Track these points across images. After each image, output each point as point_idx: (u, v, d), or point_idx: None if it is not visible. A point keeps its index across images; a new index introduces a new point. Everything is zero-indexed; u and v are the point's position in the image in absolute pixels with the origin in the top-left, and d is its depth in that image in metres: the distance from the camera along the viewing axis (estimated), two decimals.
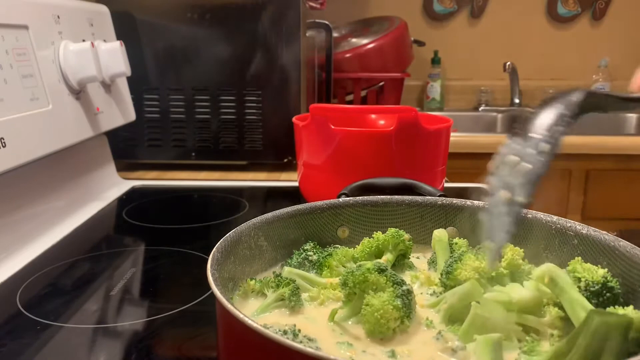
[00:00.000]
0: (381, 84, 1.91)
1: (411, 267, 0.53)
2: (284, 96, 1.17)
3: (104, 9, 1.06)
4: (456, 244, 0.52)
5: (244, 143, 1.20)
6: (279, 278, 0.46)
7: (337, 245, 0.54)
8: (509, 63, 2.17)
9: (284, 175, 1.18)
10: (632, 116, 2.18)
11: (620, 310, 0.39)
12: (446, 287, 0.46)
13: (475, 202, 0.56)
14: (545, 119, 0.39)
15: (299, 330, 0.40)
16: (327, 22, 1.49)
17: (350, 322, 0.43)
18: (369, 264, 0.44)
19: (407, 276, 0.51)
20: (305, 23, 1.25)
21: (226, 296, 0.36)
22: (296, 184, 0.91)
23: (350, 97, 1.90)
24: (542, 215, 0.51)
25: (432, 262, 0.53)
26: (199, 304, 0.60)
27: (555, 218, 0.51)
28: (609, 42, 2.27)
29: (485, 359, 0.36)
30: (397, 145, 0.77)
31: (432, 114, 0.93)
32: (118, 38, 1.06)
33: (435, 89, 2.24)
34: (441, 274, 0.47)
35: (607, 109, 0.47)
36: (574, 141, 1.74)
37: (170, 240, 0.79)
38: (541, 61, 2.29)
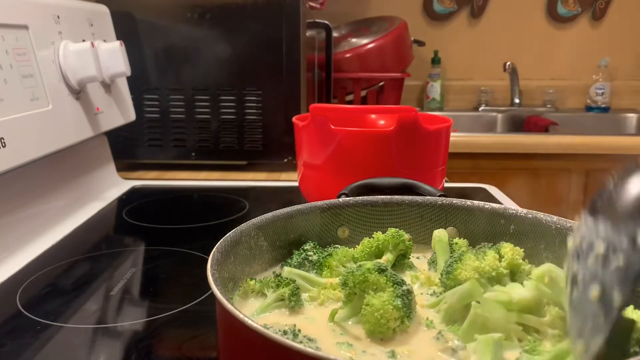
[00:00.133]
0: (381, 84, 1.91)
1: (411, 267, 0.53)
2: (284, 96, 1.17)
3: (104, 9, 1.06)
4: (456, 244, 0.52)
5: (244, 143, 1.20)
6: (279, 278, 0.46)
7: (337, 245, 0.54)
8: (509, 63, 2.17)
9: (284, 175, 1.18)
10: (632, 116, 2.18)
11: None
12: (446, 287, 0.46)
13: (475, 202, 0.56)
14: (635, 195, 0.31)
15: (299, 330, 0.40)
16: (327, 22, 1.49)
17: (350, 322, 0.43)
18: (369, 264, 0.44)
19: (407, 276, 0.51)
20: (305, 23, 1.25)
21: (226, 296, 0.36)
22: (296, 184, 0.91)
23: (350, 97, 1.90)
24: (542, 215, 0.51)
25: (432, 262, 0.53)
26: (199, 304, 0.60)
27: (555, 218, 0.51)
28: (609, 42, 2.27)
29: (486, 359, 0.36)
30: (397, 145, 0.77)
31: (432, 114, 0.93)
32: (118, 38, 1.06)
33: (435, 89, 2.24)
34: (441, 274, 0.47)
35: None
36: (574, 141, 1.74)
37: (170, 240, 0.79)
38: (541, 61, 2.29)
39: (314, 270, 0.51)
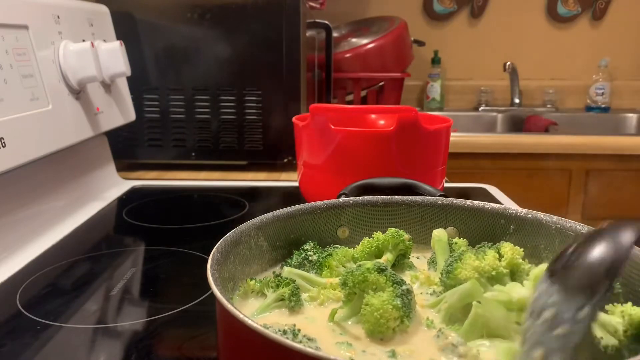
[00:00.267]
0: (381, 84, 1.91)
1: (411, 267, 0.53)
2: (284, 96, 1.17)
3: (104, 9, 1.06)
4: (455, 243, 0.52)
5: (243, 143, 1.20)
6: (279, 278, 0.46)
7: (337, 245, 0.54)
8: (509, 63, 2.17)
9: (284, 175, 1.18)
10: (632, 116, 2.18)
11: (618, 307, 0.39)
12: (446, 286, 0.46)
13: (475, 202, 0.56)
14: (589, 266, 0.33)
15: (299, 330, 0.40)
16: (327, 22, 1.49)
17: (349, 322, 0.43)
18: (368, 264, 0.44)
19: (407, 276, 0.51)
20: (305, 23, 1.25)
21: (226, 296, 0.36)
22: (296, 184, 0.91)
23: (350, 97, 1.90)
24: (542, 215, 0.51)
25: (432, 262, 0.53)
26: (199, 304, 0.60)
27: (555, 218, 0.51)
28: (609, 42, 2.27)
29: None
30: (397, 145, 0.77)
31: (432, 114, 0.93)
32: (118, 38, 1.06)
33: (435, 89, 2.24)
34: (441, 273, 0.47)
35: None
36: (574, 141, 1.74)
37: (170, 240, 0.79)
38: (541, 61, 2.29)
39: (314, 270, 0.51)
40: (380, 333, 0.40)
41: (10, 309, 0.59)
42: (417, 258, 0.55)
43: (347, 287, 0.43)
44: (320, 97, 1.58)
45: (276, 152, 1.20)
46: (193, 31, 1.15)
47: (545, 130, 1.99)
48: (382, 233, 0.52)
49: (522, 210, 0.53)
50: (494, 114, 2.22)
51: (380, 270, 0.43)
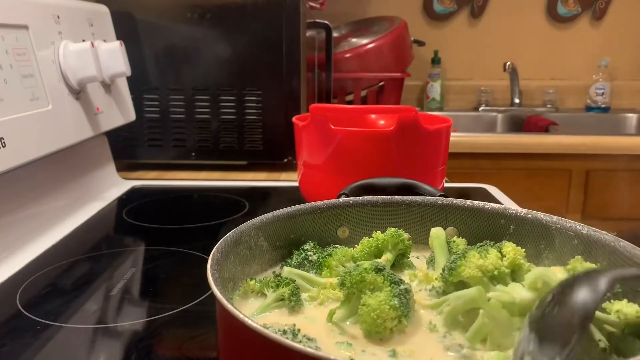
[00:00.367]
0: (381, 84, 1.91)
1: (410, 266, 0.53)
2: (284, 96, 1.17)
3: (104, 9, 1.06)
4: (454, 242, 0.52)
5: (243, 143, 1.20)
6: (279, 278, 0.46)
7: (337, 245, 0.54)
8: (509, 63, 2.17)
9: (284, 175, 1.18)
10: (632, 116, 2.18)
11: (617, 305, 0.39)
12: (447, 282, 0.46)
13: (475, 202, 0.56)
14: (562, 318, 0.34)
15: (299, 330, 0.40)
16: (327, 22, 1.49)
17: (348, 323, 0.43)
18: (366, 264, 0.44)
19: (406, 275, 0.51)
20: (305, 23, 1.25)
21: (226, 296, 0.36)
22: (296, 184, 0.91)
23: (350, 97, 1.90)
24: (542, 215, 0.51)
25: (431, 262, 0.53)
26: (199, 304, 0.60)
27: (555, 218, 0.50)
28: (609, 42, 2.27)
29: None
30: (397, 145, 0.77)
31: (432, 114, 0.93)
32: (118, 38, 1.06)
33: (435, 89, 2.24)
34: (443, 270, 0.47)
35: None
36: (574, 141, 1.74)
37: (170, 240, 0.79)
38: (541, 61, 2.30)
39: (314, 270, 0.51)
40: (377, 333, 0.40)
41: (10, 309, 0.59)
42: (417, 258, 0.55)
43: (344, 287, 0.43)
44: (320, 97, 1.58)
45: (276, 152, 1.20)
46: (193, 31, 1.15)
47: (545, 130, 1.99)
48: (382, 233, 0.52)
49: (522, 210, 0.53)
50: (494, 114, 2.22)
51: (378, 270, 0.43)
